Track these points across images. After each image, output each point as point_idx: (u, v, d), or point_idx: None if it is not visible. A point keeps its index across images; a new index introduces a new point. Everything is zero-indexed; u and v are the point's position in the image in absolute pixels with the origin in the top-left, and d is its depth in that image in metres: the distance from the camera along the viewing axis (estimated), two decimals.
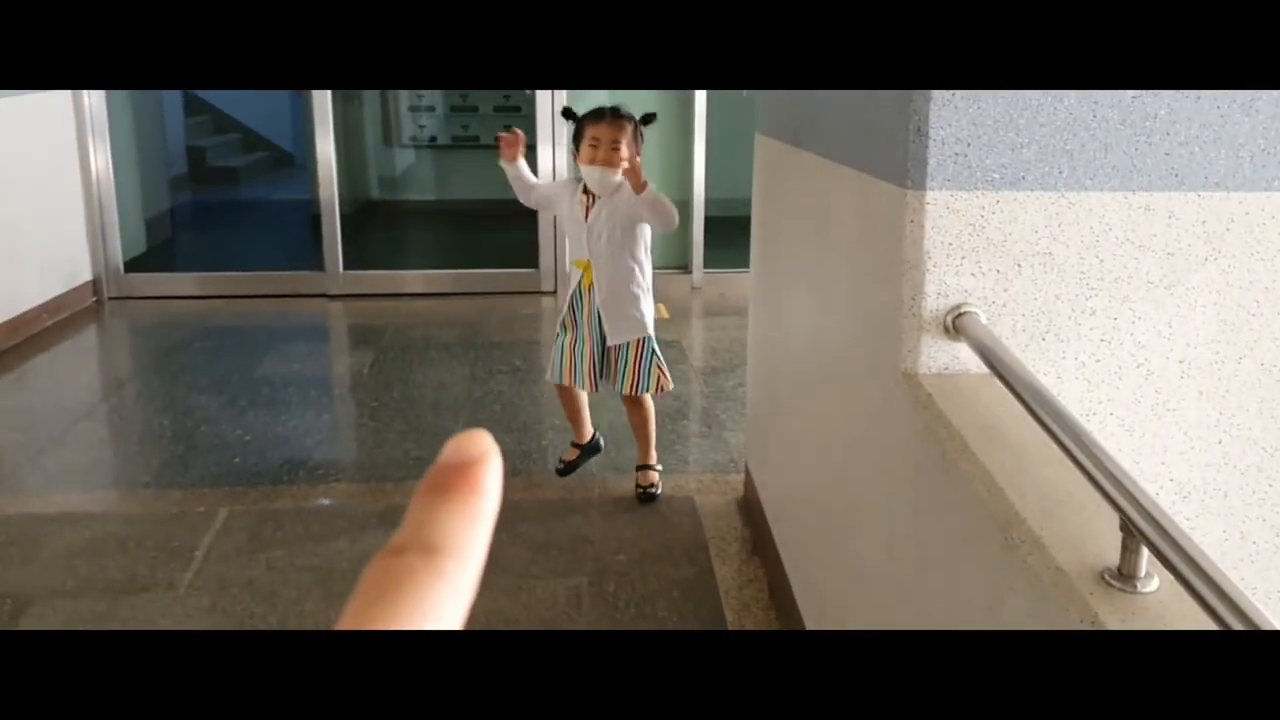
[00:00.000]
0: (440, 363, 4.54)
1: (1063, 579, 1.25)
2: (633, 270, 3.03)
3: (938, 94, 1.68)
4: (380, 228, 7.04)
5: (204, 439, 3.72)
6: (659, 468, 3.27)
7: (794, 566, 2.59)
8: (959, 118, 1.69)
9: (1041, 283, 1.76)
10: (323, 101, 5.55)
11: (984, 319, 1.75)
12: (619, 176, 2.93)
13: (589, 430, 3.35)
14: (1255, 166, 1.73)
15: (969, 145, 1.70)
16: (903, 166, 1.74)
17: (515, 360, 4.47)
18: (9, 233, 4.65)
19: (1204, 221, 1.75)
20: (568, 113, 3.08)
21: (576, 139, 3.00)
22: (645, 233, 3.04)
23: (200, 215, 8.13)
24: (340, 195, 5.81)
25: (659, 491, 3.22)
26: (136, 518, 3.10)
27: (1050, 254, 1.75)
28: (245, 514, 3.11)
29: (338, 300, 5.57)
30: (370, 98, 7.78)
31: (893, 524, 1.89)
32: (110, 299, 5.51)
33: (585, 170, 2.96)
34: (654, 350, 3.11)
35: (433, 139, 8.09)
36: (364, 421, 3.92)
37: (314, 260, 5.74)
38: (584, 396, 3.28)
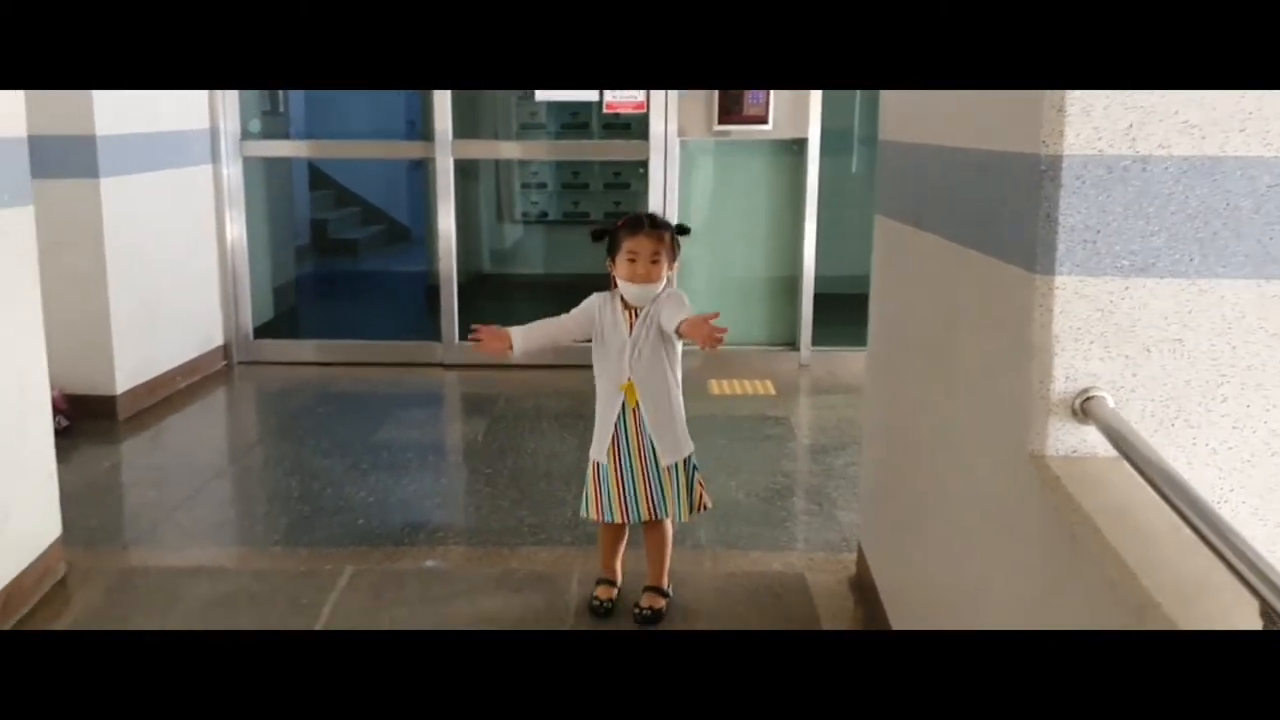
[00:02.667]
0: (551, 433, 4.64)
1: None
2: (674, 386, 2.94)
3: (1068, 180, 1.72)
4: (492, 299, 7.23)
5: (329, 500, 3.86)
6: (670, 594, 3.05)
7: None
8: (1088, 204, 1.73)
9: (1171, 368, 1.77)
10: (446, 178, 5.78)
11: (1112, 403, 1.76)
12: (660, 288, 2.85)
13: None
14: None
15: (1098, 232, 1.73)
16: (1032, 251, 1.78)
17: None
18: (151, 299, 4.92)
19: None
20: (598, 234, 2.95)
21: (611, 251, 2.88)
22: (678, 347, 2.94)
23: (322, 284, 8.45)
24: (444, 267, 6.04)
25: (663, 615, 2.97)
26: (266, 573, 3.23)
27: (1180, 340, 1.76)
28: (369, 573, 3.21)
29: (452, 370, 5.73)
30: (486, 176, 8.05)
31: (1018, 607, 1.89)
32: (239, 363, 5.76)
33: (625, 286, 2.84)
34: (695, 466, 2.98)
35: (544, 214, 8.32)
36: (479, 487, 4.02)
37: (430, 330, 5.93)
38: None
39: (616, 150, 6.61)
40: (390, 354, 5.92)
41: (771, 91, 5.52)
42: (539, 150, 7.51)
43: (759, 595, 3.15)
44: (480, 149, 6.41)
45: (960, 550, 2.24)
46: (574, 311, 2.95)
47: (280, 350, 5.92)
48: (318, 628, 2.89)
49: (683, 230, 2.95)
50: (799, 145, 5.70)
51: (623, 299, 2.88)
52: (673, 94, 5.57)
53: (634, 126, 6.07)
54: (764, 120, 5.60)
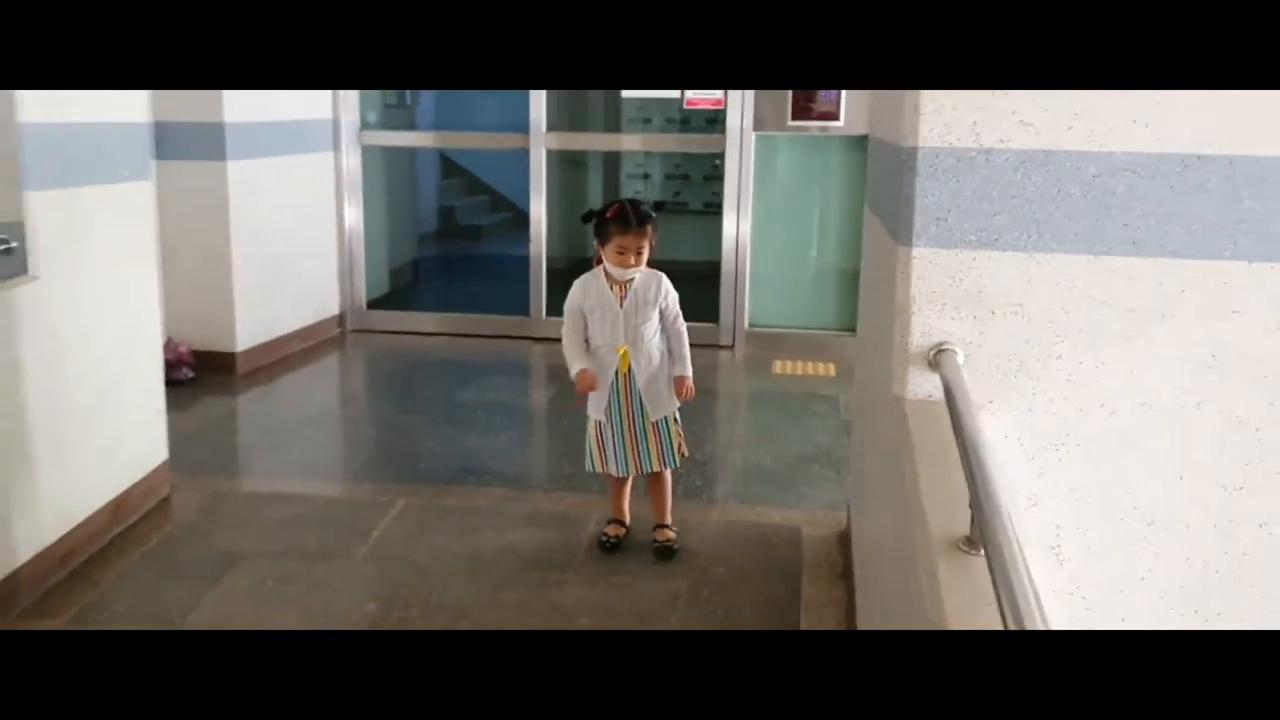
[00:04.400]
0: None
1: (931, 543, 1.60)
2: (658, 351, 3.34)
3: (923, 167, 2.05)
4: None
5: (400, 447, 4.40)
6: (675, 529, 3.44)
7: (859, 583, 2.92)
8: (940, 188, 2.05)
9: (1014, 329, 2.08)
10: (539, 167, 6.28)
11: (961, 357, 2.08)
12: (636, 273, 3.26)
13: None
14: (1207, 238, 1.99)
15: (949, 211, 2.06)
16: (897, 226, 2.12)
17: (705, 407, 4.89)
18: (271, 270, 5.57)
19: (1161, 283, 2.02)
20: (588, 217, 3.35)
21: (601, 237, 3.26)
22: (659, 320, 3.35)
23: (441, 265, 9.09)
24: (555, 251, 6.53)
25: (678, 546, 3.40)
26: (333, 501, 3.78)
27: (1021, 305, 2.07)
28: (418, 506, 3.71)
29: (540, 343, 6.23)
30: (594, 166, 8.54)
31: (887, 536, 2.22)
32: (352, 331, 6.39)
33: (613, 270, 3.24)
34: (677, 419, 3.38)
35: (658, 203, 8.74)
36: (530, 442, 4.51)
37: (524, 307, 6.44)
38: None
39: (694, 143, 7.00)
40: (487, 327, 6.46)
41: (843, 90, 5.81)
42: (623, 142, 7.93)
43: (753, 541, 3.51)
44: (570, 140, 6.86)
45: (870, 490, 2.58)
46: (570, 324, 3.33)
47: (390, 320, 6.53)
48: (365, 548, 3.39)
49: (660, 206, 3.37)
50: (867, 141, 5.96)
51: (606, 274, 3.29)
52: (750, 91, 5.92)
53: (720, 121, 6.44)
54: (835, 117, 5.89)
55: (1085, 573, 2.15)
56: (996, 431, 2.10)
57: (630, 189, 8.73)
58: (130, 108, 3.48)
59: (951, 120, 2.03)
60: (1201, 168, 1.98)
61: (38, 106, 3.00)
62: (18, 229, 2.99)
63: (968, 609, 1.41)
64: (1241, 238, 1.99)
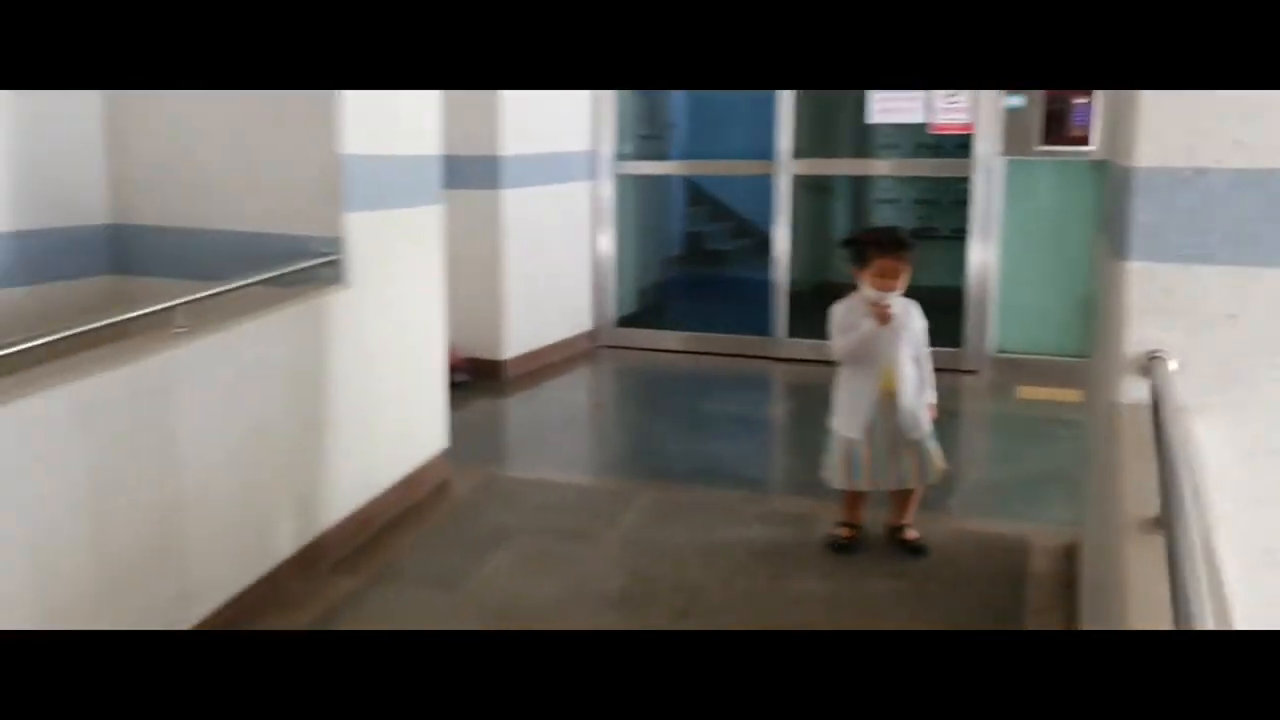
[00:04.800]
0: None
1: (1124, 522, 1.77)
2: (915, 372, 3.51)
3: (1141, 186, 2.20)
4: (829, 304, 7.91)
5: (646, 447, 4.79)
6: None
7: (1083, 587, 3.02)
8: (1157, 206, 2.20)
9: (1227, 340, 2.19)
10: (783, 193, 6.57)
11: (1174, 365, 2.21)
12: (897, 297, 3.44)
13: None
14: None
15: (1165, 227, 2.20)
16: (1117, 242, 2.27)
17: (946, 427, 4.98)
18: (535, 287, 6.11)
19: None
20: (847, 242, 3.54)
21: (860, 262, 3.45)
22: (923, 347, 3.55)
23: (689, 288, 9.50)
24: (798, 275, 6.79)
25: (925, 544, 3.57)
26: (585, 489, 4.20)
27: (1235, 316, 2.18)
28: (661, 500, 4.06)
29: (780, 363, 6.49)
30: (842, 191, 8.74)
31: (1095, 522, 2.36)
32: (604, 346, 6.87)
33: (871, 294, 3.42)
34: (934, 437, 3.55)
35: (913, 231, 8.86)
36: (767, 450, 4.78)
37: (766, 328, 6.73)
38: None
39: (941, 168, 7.08)
40: (730, 345, 6.78)
41: (1095, 113, 5.79)
42: (867, 167, 8.08)
43: (980, 549, 3.64)
44: (814, 166, 7.08)
45: (1090, 496, 2.70)
46: (841, 331, 3.52)
47: (638, 337, 6.97)
48: (612, 532, 3.77)
49: (918, 235, 3.56)
50: None
51: (870, 300, 3.46)
52: (996, 116, 5.99)
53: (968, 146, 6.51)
54: (1085, 141, 5.87)
55: None
56: (1209, 436, 2.21)
57: (878, 215, 8.87)
58: (425, 143, 4.02)
59: (1169, 143, 2.17)
60: None
61: (355, 141, 3.54)
62: (338, 244, 3.54)
63: (1148, 579, 1.57)
64: None
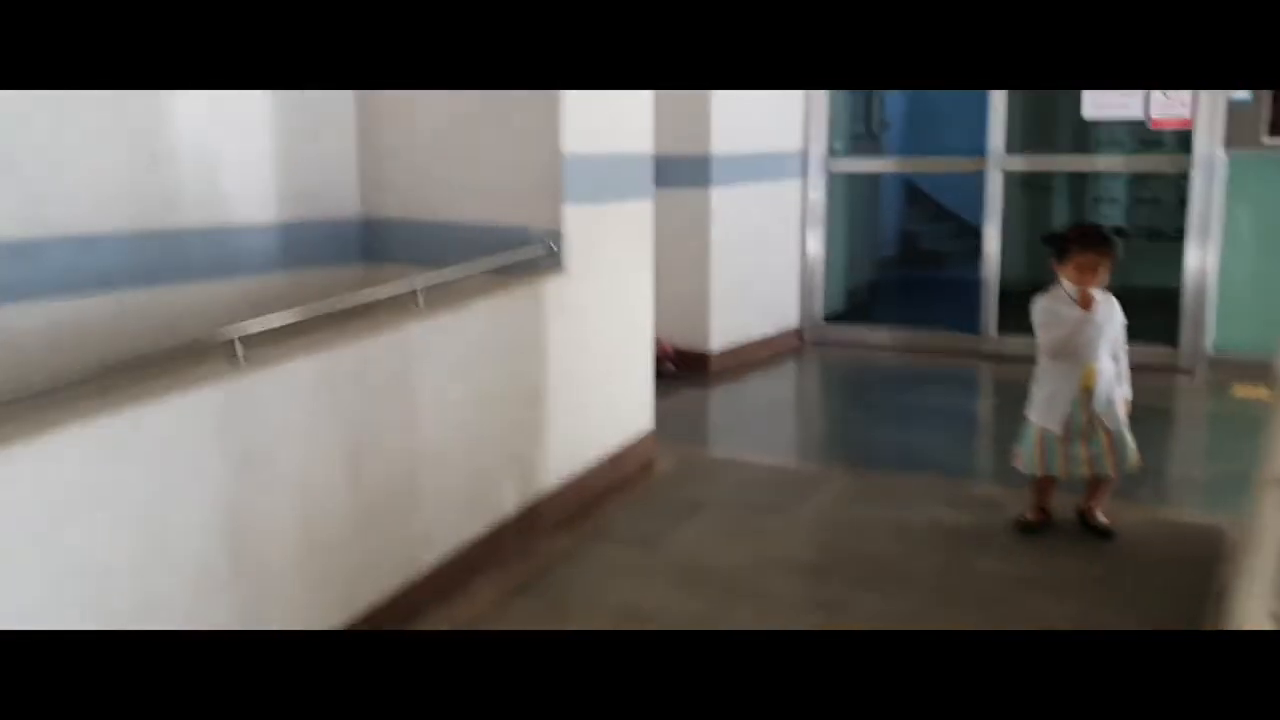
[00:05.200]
0: None
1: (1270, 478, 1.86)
2: (1112, 371, 3.58)
3: None
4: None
5: (844, 435, 4.98)
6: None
7: None
8: None
9: None
10: (994, 190, 6.57)
11: None
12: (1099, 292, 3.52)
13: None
14: None
15: None
16: None
17: (1153, 423, 4.98)
18: (742, 283, 6.37)
19: None
20: (1048, 239, 3.63)
21: (1061, 257, 3.54)
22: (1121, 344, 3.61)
23: (902, 287, 9.52)
24: (1013, 274, 6.76)
25: (1115, 529, 3.64)
26: (783, 470, 4.43)
27: None
28: (854, 483, 4.24)
29: (988, 360, 6.50)
30: (1061, 189, 8.58)
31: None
32: (810, 342, 7.05)
33: (1071, 288, 3.53)
34: (1130, 432, 3.62)
35: (1118, 229, 8.61)
36: (965, 440, 4.86)
37: (975, 326, 6.74)
38: None
39: (1159, 164, 6.89)
40: (937, 343, 6.83)
41: None
42: (1082, 164, 7.89)
43: (1172, 537, 3.64)
44: (1028, 163, 7.01)
45: None
46: (1043, 326, 3.62)
47: (844, 334, 7.11)
48: (802, 509, 3.98)
49: (1120, 233, 3.61)
50: None
51: (1071, 295, 3.56)
52: (1219, 110, 5.81)
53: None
54: None
55: None
56: None
57: (1097, 212, 8.65)
58: (639, 142, 4.35)
59: None
60: None
61: (574, 140, 3.90)
62: (558, 235, 3.91)
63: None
64: None
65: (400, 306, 3.31)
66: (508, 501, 3.70)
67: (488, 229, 3.97)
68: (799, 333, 7.07)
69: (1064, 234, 3.63)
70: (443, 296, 3.42)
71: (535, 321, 3.81)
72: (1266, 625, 1.32)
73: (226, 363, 2.58)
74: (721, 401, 5.84)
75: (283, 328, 2.85)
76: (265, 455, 2.64)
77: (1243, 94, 5.73)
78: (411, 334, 3.20)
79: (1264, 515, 1.72)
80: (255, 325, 2.68)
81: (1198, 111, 5.91)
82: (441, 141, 4.12)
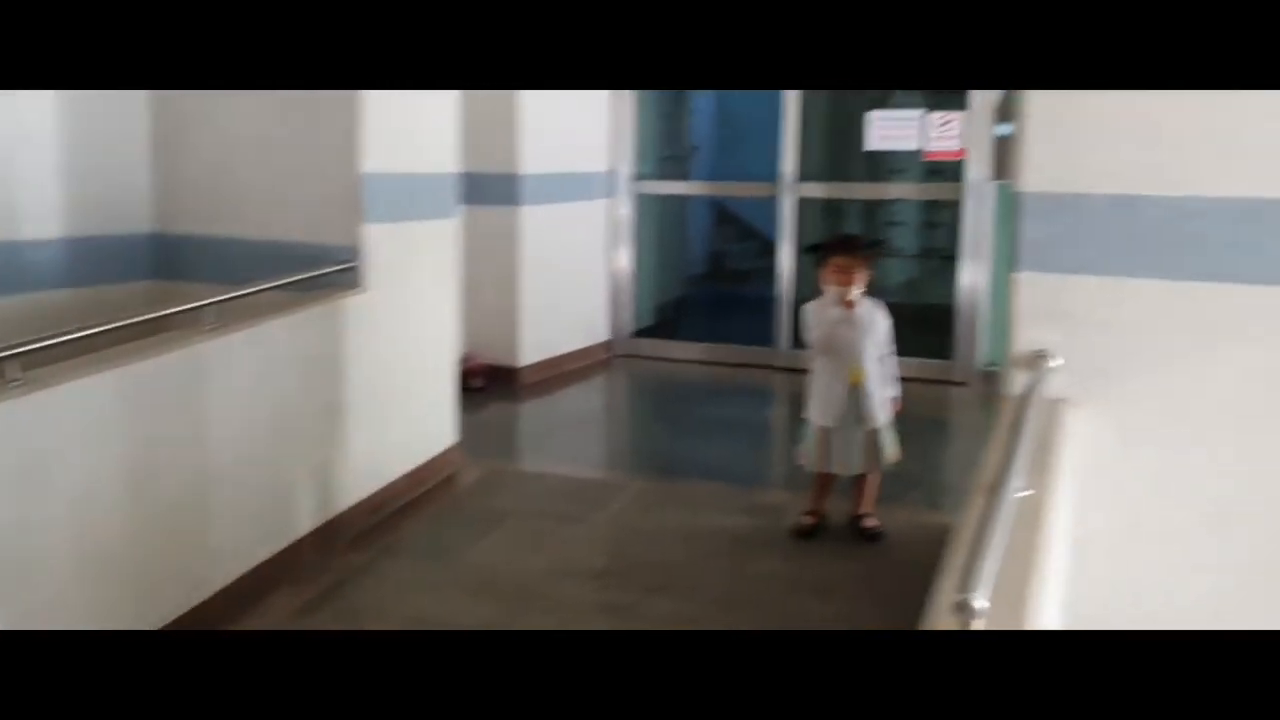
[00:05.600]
0: None
1: (979, 486, 2.11)
2: (878, 368, 3.88)
3: (1029, 209, 2.55)
4: None
5: (645, 446, 5.18)
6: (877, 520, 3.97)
7: None
8: (1042, 226, 2.54)
9: (1103, 341, 2.53)
10: (787, 213, 6.94)
11: (1057, 363, 2.54)
12: (856, 293, 3.80)
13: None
14: (1268, 267, 2.37)
15: (1049, 244, 2.54)
16: (1012, 257, 2.62)
17: (928, 432, 5.33)
18: (552, 299, 6.51)
19: (1229, 306, 2.42)
20: (810, 249, 3.96)
21: (820, 263, 3.85)
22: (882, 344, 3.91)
23: (709, 303, 9.86)
24: (809, 291, 7.12)
25: (883, 531, 3.93)
26: (583, 481, 4.58)
27: (1108, 322, 2.51)
28: (649, 490, 4.45)
29: (782, 372, 6.83)
30: (856, 215, 9.08)
31: None
32: (618, 356, 7.25)
33: (831, 290, 3.82)
34: (891, 428, 3.92)
35: (875, 240, 9.14)
36: (755, 449, 5.14)
37: (770, 340, 7.08)
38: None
39: (932, 191, 7.43)
40: (739, 356, 7.13)
41: None
42: (865, 190, 8.36)
43: (936, 536, 3.91)
44: (816, 189, 7.42)
45: None
46: (812, 328, 3.91)
47: (651, 348, 7.33)
48: (601, 516, 4.14)
49: (877, 244, 3.92)
50: None
51: (835, 298, 3.85)
52: (986, 142, 6.32)
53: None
54: None
55: (1165, 551, 2.54)
56: (1087, 425, 2.55)
57: (888, 234, 9.18)
58: (442, 161, 4.43)
59: (1051, 171, 2.52)
60: (1265, 210, 2.37)
61: (375, 160, 3.95)
62: (356, 252, 3.95)
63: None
64: None
65: (192, 324, 3.30)
66: (305, 518, 3.72)
67: (287, 246, 3.98)
68: (608, 347, 7.26)
69: (822, 243, 3.93)
70: (238, 314, 3.42)
71: (334, 339, 3.84)
72: (948, 615, 1.52)
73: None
74: (530, 415, 5.95)
75: (65, 344, 2.82)
76: (42, 471, 2.62)
77: (1006, 127, 6.24)
78: (201, 352, 3.20)
79: (967, 516, 1.95)
80: (31, 344, 2.65)
81: (969, 144, 6.41)
82: (240, 157, 4.11)
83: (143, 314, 3.20)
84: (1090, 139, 2.48)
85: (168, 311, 3.26)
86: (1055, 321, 2.56)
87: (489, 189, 6.09)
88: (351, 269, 3.93)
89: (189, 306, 3.29)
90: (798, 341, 6.90)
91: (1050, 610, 1.92)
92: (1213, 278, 2.42)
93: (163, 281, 4.23)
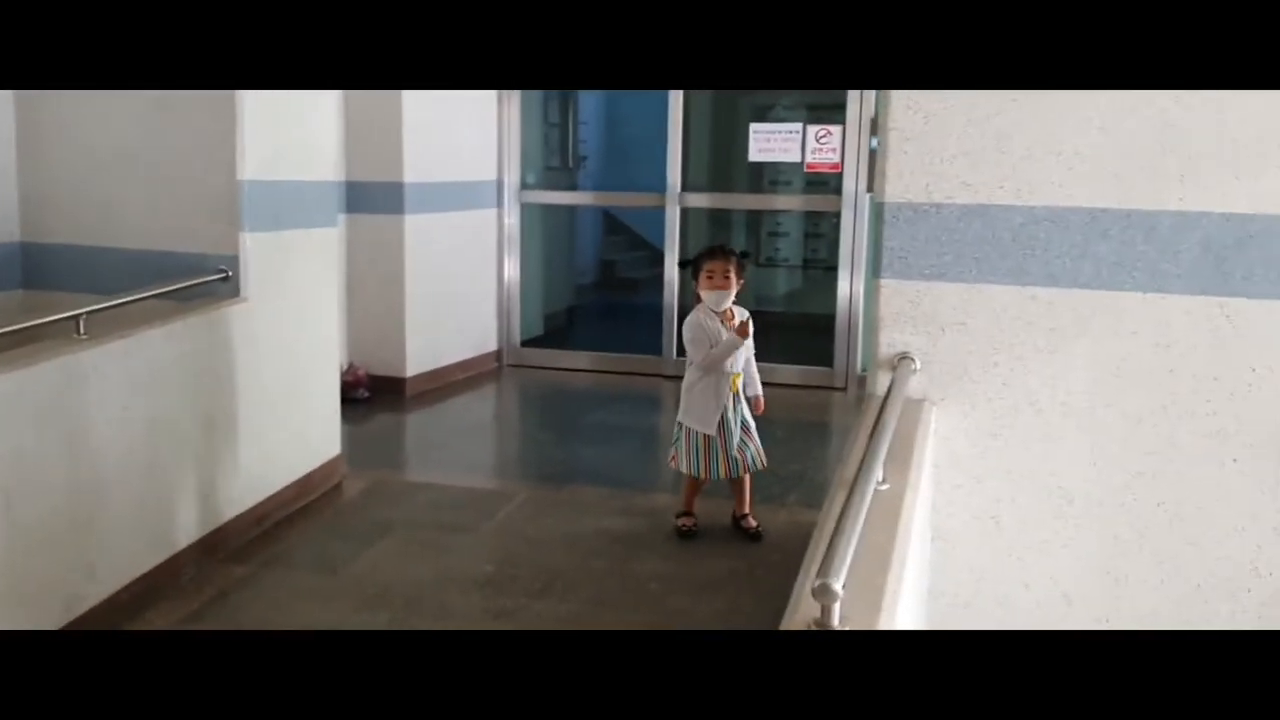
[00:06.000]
0: None
1: (841, 480, 2.22)
2: (746, 369, 4.03)
3: (889, 218, 2.68)
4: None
5: (531, 454, 5.22)
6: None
7: None
8: (902, 234, 2.67)
9: (959, 343, 2.67)
10: (673, 223, 7.06)
11: (918, 364, 2.68)
12: (731, 296, 3.91)
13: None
14: (1110, 274, 2.54)
15: (909, 251, 2.67)
16: (874, 263, 2.75)
17: (809, 435, 5.53)
18: (439, 309, 6.50)
19: (1074, 309, 2.58)
20: (684, 264, 4.11)
21: (695, 274, 3.96)
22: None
23: (598, 312, 9.96)
24: (688, 300, 7.26)
25: (764, 530, 4.05)
26: (470, 490, 4.60)
27: (965, 324, 2.66)
28: (536, 498, 4.48)
29: (669, 379, 6.94)
30: (741, 225, 9.26)
31: None
32: (508, 365, 7.27)
33: (706, 295, 3.92)
34: (756, 432, 4.07)
35: (785, 259, 9.40)
36: (639, 455, 5.22)
37: (659, 349, 7.19)
38: None
39: (814, 203, 7.65)
40: (626, 365, 7.22)
41: None
42: (748, 201, 8.55)
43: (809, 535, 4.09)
44: (701, 200, 7.58)
45: None
46: (705, 338, 3.97)
47: (541, 357, 7.37)
48: (489, 525, 4.17)
49: (746, 255, 4.04)
50: None
51: (709, 310, 3.96)
52: (864, 156, 6.54)
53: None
54: None
55: (1019, 538, 2.69)
56: (946, 423, 2.69)
57: (772, 245, 9.40)
58: (323, 169, 4.41)
59: (910, 182, 2.66)
60: (1105, 219, 2.54)
61: (253, 168, 3.92)
62: (235, 261, 3.91)
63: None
64: (1137, 273, 2.53)
65: (62, 334, 3.24)
66: (186, 530, 3.66)
67: (163, 256, 3.92)
68: (497, 356, 7.28)
69: (693, 257, 4.06)
70: (112, 324, 3.36)
71: (211, 349, 3.80)
72: (807, 601, 1.61)
73: None
74: (417, 425, 5.94)
75: None
76: None
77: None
78: (72, 363, 3.14)
79: (829, 509, 2.05)
80: None
81: (845, 158, 6.62)
82: (110, 162, 4.03)
83: (13, 324, 3.12)
84: (945, 152, 2.62)
85: (38, 321, 3.19)
86: (915, 325, 2.69)
87: (374, 197, 6.07)
88: (230, 278, 3.89)
89: (60, 316, 3.23)
90: (681, 349, 7.05)
91: (909, 594, 2.03)
92: (1058, 283, 2.58)
93: (33, 292, 4.12)
